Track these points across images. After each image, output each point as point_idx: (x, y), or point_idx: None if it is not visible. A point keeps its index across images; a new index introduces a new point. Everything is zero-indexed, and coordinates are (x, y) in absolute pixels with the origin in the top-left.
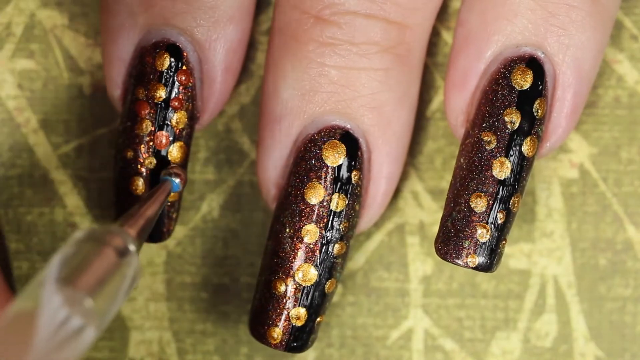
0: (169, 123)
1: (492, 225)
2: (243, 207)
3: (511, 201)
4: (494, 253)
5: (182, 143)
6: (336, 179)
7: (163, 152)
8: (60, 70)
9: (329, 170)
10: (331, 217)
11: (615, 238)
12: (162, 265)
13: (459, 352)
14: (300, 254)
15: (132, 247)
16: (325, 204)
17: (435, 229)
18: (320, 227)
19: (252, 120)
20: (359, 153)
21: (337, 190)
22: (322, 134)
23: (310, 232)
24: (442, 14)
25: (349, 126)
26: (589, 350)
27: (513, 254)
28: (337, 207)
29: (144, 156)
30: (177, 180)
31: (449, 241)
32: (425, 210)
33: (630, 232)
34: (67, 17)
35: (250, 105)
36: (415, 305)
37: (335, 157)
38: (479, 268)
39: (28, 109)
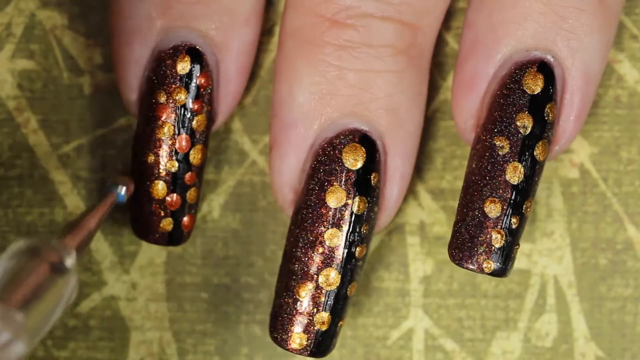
0: (189, 126)
1: (507, 230)
2: (243, 207)
3: (524, 206)
4: (508, 258)
5: (202, 145)
6: (356, 182)
7: (183, 155)
8: (60, 70)
9: (349, 173)
10: (353, 220)
11: (615, 238)
12: (163, 265)
13: (459, 352)
14: (323, 258)
15: (69, 263)
16: (346, 207)
17: (436, 229)
18: (342, 231)
19: (253, 120)
20: (377, 155)
21: (357, 193)
22: (341, 137)
23: (332, 236)
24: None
25: (367, 129)
26: (590, 350)
27: None
28: (358, 210)
29: (166, 160)
30: (123, 191)
31: (464, 247)
32: (425, 210)
33: (631, 231)
34: (67, 18)
35: (251, 105)
36: (415, 305)
37: (355, 160)
38: (494, 273)
39: (28, 109)
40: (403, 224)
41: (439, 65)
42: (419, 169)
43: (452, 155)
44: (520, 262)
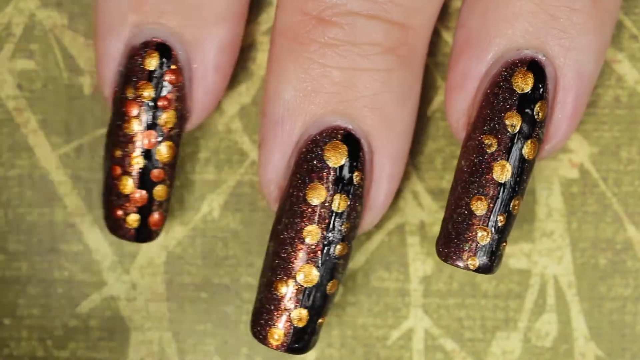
0: (156, 122)
1: (493, 228)
2: (243, 207)
3: (512, 204)
4: (494, 255)
5: (171, 142)
6: (338, 180)
7: (149, 152)
8: (60, 70)
9: (331, 171)
10: (333, 218)
11: (615, 238)
12: (163, 265)
13: (459, 352)
14: (302, 255)
15: None
16: (327, 204)
17: (436, 229)
18: (321, 228)
19: (252, 120)
20: (361, 154)
21: (338, 191)
22: (324, 134)
23: (312, 233)
24: (442, 14)
25: (350, 127)
26: (589, 350)
27: (513, 253)
28: (338, 207)
29: (132, 155)
30: None
31: (450, 244)
32: (425, 210)
33: (630, 231)
34: (67, 17)
35: (251, 105)
36: (415, 305)
37: (337, 157)
38: (479, 270)
39: (28, 109)
40: (403, 224)
41: (438, 65)
42: (419, 169)
43: (452, 155)
44: (520, 262)
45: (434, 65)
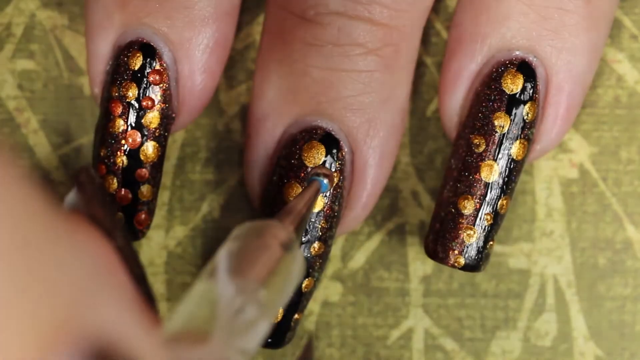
0: (140, 122)
1: (479, 227)
2: (244, 207)
3: (499, 204)
4: (480, 254)
5: (155, 142)
6: None
7: (133, 151)
8: (60, 70)
9: (308, 170)
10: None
11: (614, 237)
12: (163, 265)
13: (459, 352)
14: None
15: (295, 242)
16: None
17: None
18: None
19: None
20: (340, 154)
21: None
22: (303, 134)
23: None
24: (444, 14)
25: (330, 127)
26: (589, 350)
27: (513, 253)
28: (314, 207)
29: (116, 154)
30: (325, 181)
31: (437, 241)
32: (425, 210)
33: (630, 231)
34: (67, 18)
35: None
36: (415, 305)
37: (314, 157)
38: (466, 268)
39: (28, 110)
40: (403, 224)
41: (439, 65)
42: (419, 169)
43: None
44: (519, 261)
45: (434, 66)
